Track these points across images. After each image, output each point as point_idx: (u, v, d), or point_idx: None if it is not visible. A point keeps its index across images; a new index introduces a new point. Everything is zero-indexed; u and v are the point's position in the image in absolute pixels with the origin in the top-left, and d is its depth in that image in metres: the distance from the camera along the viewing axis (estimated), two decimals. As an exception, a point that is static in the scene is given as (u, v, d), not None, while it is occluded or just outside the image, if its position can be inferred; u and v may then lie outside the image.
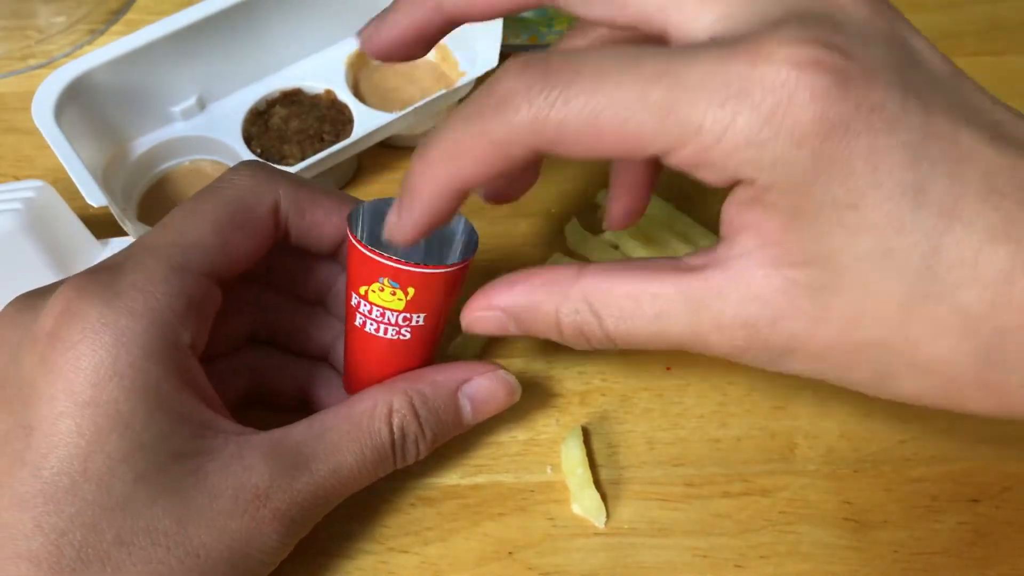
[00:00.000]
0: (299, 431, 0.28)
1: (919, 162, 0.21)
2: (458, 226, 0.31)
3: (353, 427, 0.28)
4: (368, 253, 0.28)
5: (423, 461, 0.34)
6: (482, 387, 0.31)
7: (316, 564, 0.32)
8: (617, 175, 0.33)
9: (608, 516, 0.33)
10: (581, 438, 0.34)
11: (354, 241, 0.28)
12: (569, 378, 0.36)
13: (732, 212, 0.23)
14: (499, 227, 0.41)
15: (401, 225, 0.26)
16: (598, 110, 0.21)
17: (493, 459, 0.34)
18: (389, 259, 0.28)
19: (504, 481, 0.34)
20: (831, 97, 0.21)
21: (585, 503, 0.32)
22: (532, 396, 0.36)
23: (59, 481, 0.24)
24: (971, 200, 0.21)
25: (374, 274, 0.28)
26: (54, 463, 0.24)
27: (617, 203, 0.33)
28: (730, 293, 0.23)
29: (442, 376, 0.30)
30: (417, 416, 0.29)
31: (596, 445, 0.34)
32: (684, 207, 0.40)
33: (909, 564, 0.32)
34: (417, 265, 0.28)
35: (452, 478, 0.34)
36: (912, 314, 0.22)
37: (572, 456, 0.33)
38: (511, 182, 0.33)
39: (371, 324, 0.29)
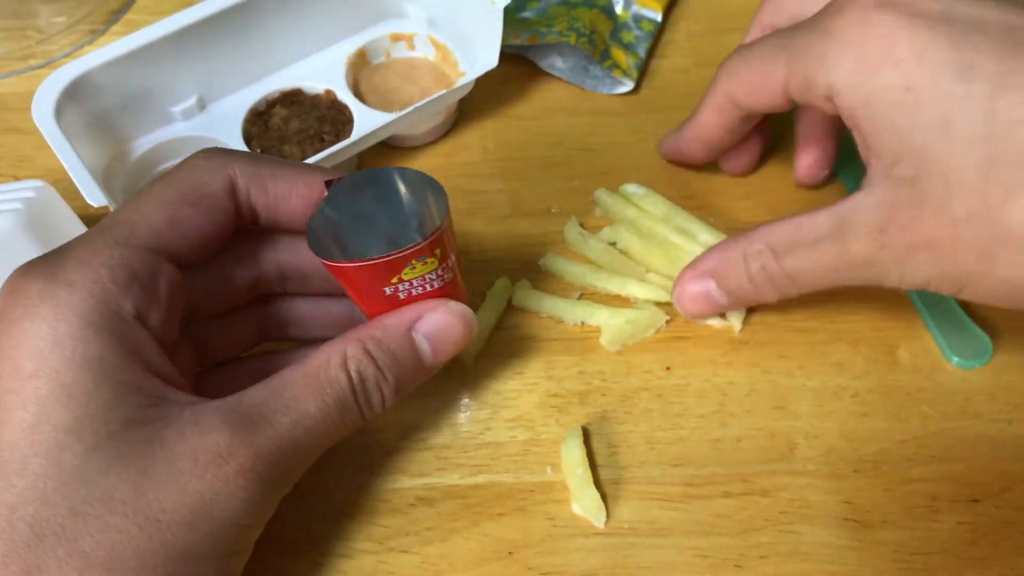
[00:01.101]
0: (255, 392, 0.27)
1: (963, 46, 0.27)
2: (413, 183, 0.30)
3: (310, 380, 0.28)
4: (385, 260, 0.28)
5: (423, 461, 0.34)
6: (435, 321, 0.30)
7: (316, 564, 0.32)
8: (800, 124, 0.40)
9: (608, 516, 0.33)
10: (581, 438, 0.34)
11: (357, 264, 0.28)
12: (569, 378, 0.36)
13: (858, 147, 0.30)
14: (499, 227, 0.41)
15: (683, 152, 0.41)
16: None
17: (493, 459, 0.34)
18: (408, 249, 0.28)
19: (504, 481, 0.34)
20: (874, 8, 0.29)
21: (585, 503, 0.32)
22: (532, 396, 0.36)
23: (9, 457, 0.24)
24: (1021, 71, 0.26)
25: (399, 266, 0.28)
26: (3, 440, 0.24)
27: (804, 154, 0.40)
28: (860, 205, 0.30)
29: (393, 319, 0.30)
30: (373, 360, 0.29)
31: (596, 445, 0.34)
32: (686, 205, 0.40)
33: (909, 564, 0.32)
34: (433, 232, 0.28)
35: (452, 478, 0.34)
36: (988, 177, 0.26)
37: (572, 456, 0.33)
38: (741, 149, 0.41)
39: (416, 289, 0.29)
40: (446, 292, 0.30)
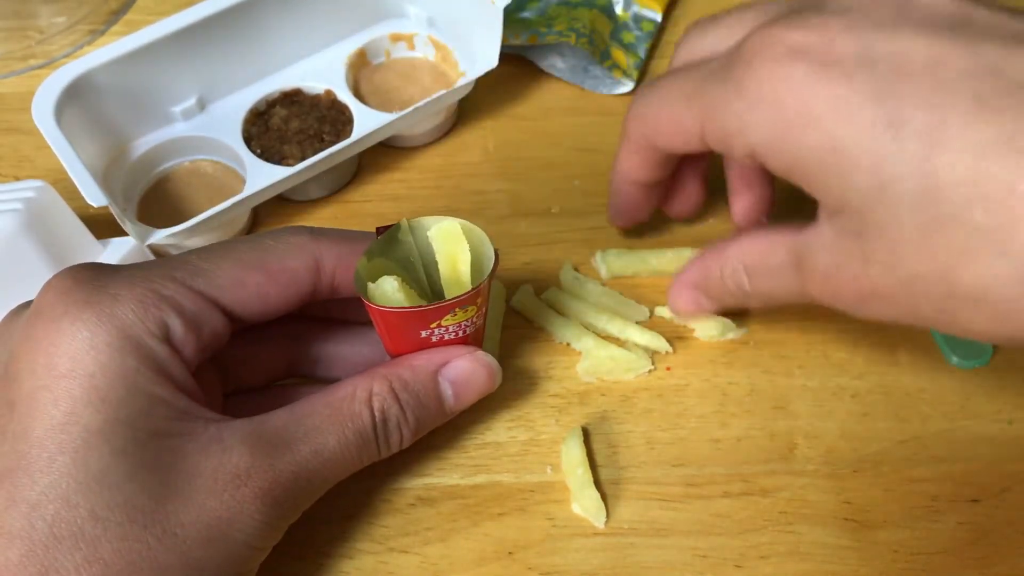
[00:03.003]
0: (279, 416, 0.27)
1: (887, 96, 0.24)
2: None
3: (334, 411, 0.28)
4: (432, 307, 0.28)
5: (423, 461, 0.34)
6: (461, 368, 0.30)
7: (316, 564, 0.32)
8: (730, 169, 0.37)
9: (608, 516, 0.33)
10: (581, 438, 0.34)
11: (404, 310, 0.28)
12: (569, 378, 0.36)
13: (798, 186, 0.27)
14: (499, 226, 0.41)
15: (614, 220, 0.38)
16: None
17: (493, 459, 0.34)
18: (456, 297, 0.28)
19: (504, 481, 0.34)
20: (785, 59, 0.25)
21: (585, 503, 0.32)
22: (532, 396, 0.36)
23: (36, 454, 0.24)
24: (956, 122, 0.23)
25: (443, 313, 0.29)
26: (32, 436, 0.24)
27: (738, 200, 0.37)
28: (813, 244, 0.28)
29: (421, 360, 0.30)
30: (398, 399, 0.29)
31: (596, 445, 0.34)
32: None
33: (909, 564, 0.32)
34: (480, 282, 0.28)
35: (452, 478, 0.34)
36: (934, 241, 0.23)
37: (572, 456, 0.33)
38: (680, 191, 0.38)
39: (449, 334, 0.30)
40: (475, 337, 0.31)
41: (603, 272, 0.39)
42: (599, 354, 0.36)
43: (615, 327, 0.37)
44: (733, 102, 0.27)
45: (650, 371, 0.36)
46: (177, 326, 0.26)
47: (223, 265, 0.28)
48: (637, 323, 0.37)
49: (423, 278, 0.31)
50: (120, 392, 0.25)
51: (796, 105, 0.25)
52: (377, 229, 0.30)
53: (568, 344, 0.37)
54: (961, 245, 0.23)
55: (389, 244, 0.30)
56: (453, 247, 0.29)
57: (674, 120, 0.30)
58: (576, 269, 0.39)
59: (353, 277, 0.29)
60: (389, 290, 0.28)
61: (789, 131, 0.26)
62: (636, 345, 0.36)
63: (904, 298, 0.25)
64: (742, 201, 0.37)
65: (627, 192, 0.36)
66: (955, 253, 0.23)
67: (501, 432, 0.35)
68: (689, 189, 0.38)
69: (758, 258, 0.31)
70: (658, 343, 0.36)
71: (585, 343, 0.36)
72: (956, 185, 0.23)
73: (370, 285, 0.28)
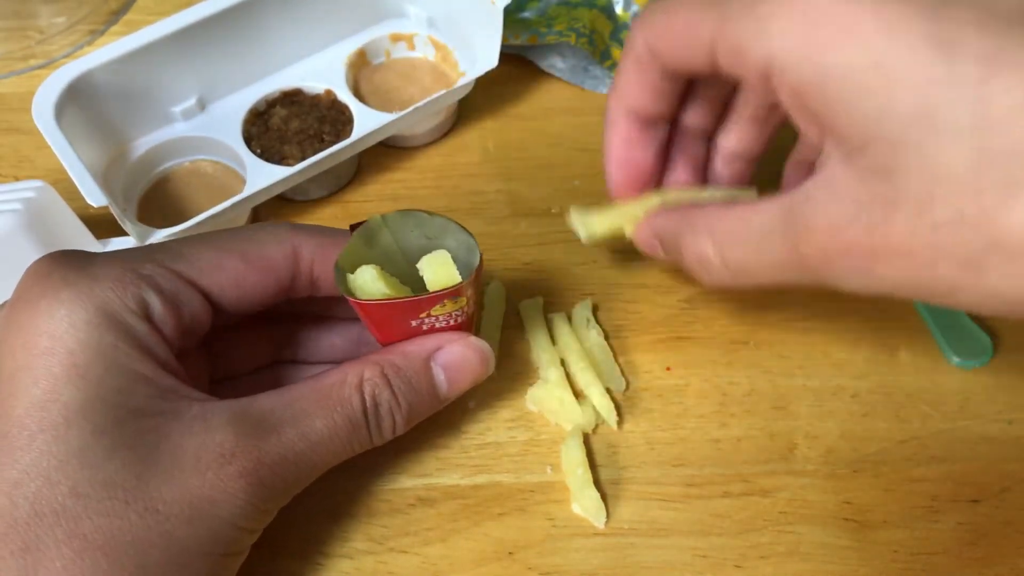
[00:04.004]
0: (267, 399, 0.27)
1: (939, 19, 0.21)
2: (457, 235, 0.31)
3: (323, 396, 0.28)
4: (417, 299, 0.28)
5: (423, 461, 0.34)
6: (454, 353, 0.30)
7: (316, 564, 0.32)
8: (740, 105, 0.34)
9: (608, 516, 0.33)
10: (581, 438, 0.34)
11: (387, 302, 0.28)
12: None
13: (800, 125, 0.25)
14: (499, 226, 0.41)
15: (609, 182, 0.33)
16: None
17: (493, 459, 0.34)
18: (443, 290, 0.28)
19: (504, 481, 0.34)
20: None
21: (585, 503, 0.32)
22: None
23: (17, 433, 0.24)
24: (1014, 46, 0.20)
25: (432, 304, 0.29)
26: (12, 415, 0.24)
27: (735, 132, 0.34)
28: (816, 195, 0.24)
29: (413, 346, 0.30)
30: (389, 384, 0.29)
31: (596, 445, 0.34)
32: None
33: (909, 564, 0.32)
34: (471, 278, 0.28)
35: (452, 478, 0.34)
36: (981, 177, 0.21)
37: (572, 456, 0.33)
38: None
39: (439, 323, 0.30)
40: (468, 324, 0.31)
41: (581, 234, 0.35)
42: (553, 392, 0.35)
43: (583, 378, 0.35)
44: (758, 5, 0.24)
45: (593, 430, 0.35)
46: (156, 303, 0.26)
47: (202, 249, 0.28)
48: (607, 387, 0.35)
49: (405, 268, 0.31)
50: (99, 369, 0.25)
51: (833, 13, 0.22)
52: (351, 226, 0.30)
53: (537, 368, 0.36)
54: (1013, 181, 0.20)
55: (367, 241, 0.30)
56: (444, 276, 0.29)
57: (687, 25, 0.27)
58: (595, 312, 0.38)
59: (332, 270, 0.29)
60: (368, 279, 0.28)
61: (820, 41, 0.23)
62: (589, 403, 0.35)
63: (926, 254, 0.22)
64: (740, 132, 0.34)
65: (623, 132, 0.32)
66: (1004, 188, 0.21)
67: (501, 432, 0.35)
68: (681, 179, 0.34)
69: (736, 225, 0.27)
70: (608, 414, 0.35)
71: (550, 374, 0.35)
72: (1012, 111, 0.20)
73: (349, 276, 0.28)
